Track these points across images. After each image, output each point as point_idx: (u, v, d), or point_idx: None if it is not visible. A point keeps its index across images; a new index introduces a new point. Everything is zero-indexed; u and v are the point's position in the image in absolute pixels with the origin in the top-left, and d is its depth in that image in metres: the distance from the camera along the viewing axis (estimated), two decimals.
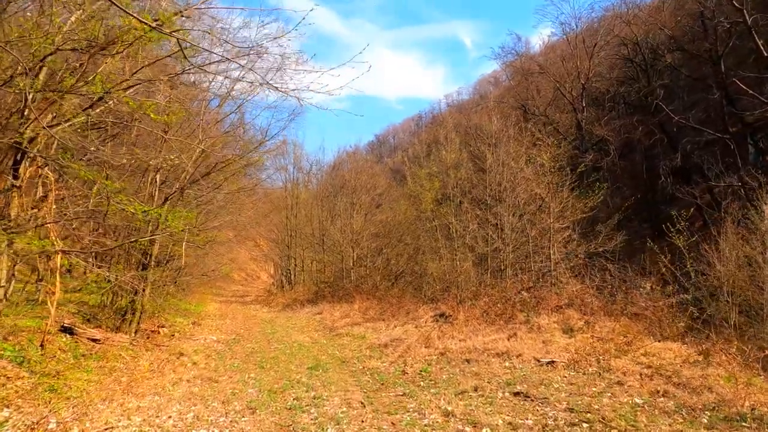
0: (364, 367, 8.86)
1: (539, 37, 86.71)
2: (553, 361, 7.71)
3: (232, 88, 11.52)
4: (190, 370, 8.77)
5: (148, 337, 11.69)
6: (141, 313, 11.27)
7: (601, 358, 7.70)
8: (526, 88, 40.72)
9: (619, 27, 35.46)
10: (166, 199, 10.94)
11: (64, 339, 9.37)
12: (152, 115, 6.20)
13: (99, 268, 9.62)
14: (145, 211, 6.23)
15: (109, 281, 9.25)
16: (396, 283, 23.90)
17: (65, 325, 9.71)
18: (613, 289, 11.42)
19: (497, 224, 17.01)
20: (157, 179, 11.47)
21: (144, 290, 11.26)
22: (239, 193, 14.34)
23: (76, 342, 9.34)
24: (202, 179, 11.43)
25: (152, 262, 11.43)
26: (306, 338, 13.00)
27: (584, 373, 7.21)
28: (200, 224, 12.17)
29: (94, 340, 9.75)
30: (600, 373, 7.15)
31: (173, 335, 12.64)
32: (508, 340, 9.32)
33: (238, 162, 11.69)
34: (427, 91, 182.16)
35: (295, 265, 35.44)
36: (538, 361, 7.82)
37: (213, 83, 11.50)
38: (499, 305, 11.71)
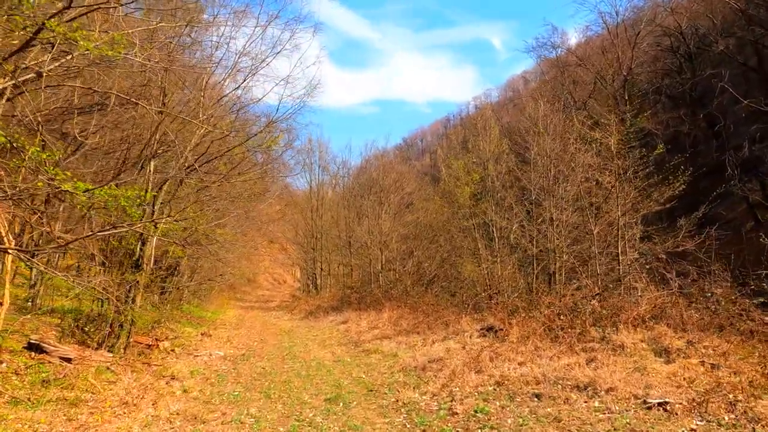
0: (397, 401, 6.78)
1: (575, 29, 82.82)
2: (665, 402, 5.46)
3: (239, 59, 9.67)
4: (175, 402, 6.87)
5: (140, 354, 9.92)
6: (131, 325, 9.49)
7: (734, 397, 5.42)
8: (562, 82, 38.08)
9: (661, 16, 32.93)
10: (159, 188, 9.17)
11: (28, 359, 7.66)
12: (110, 53, 4.33)
13: (71, 271, 7.90)
14: (88, 190, 4.37)
15: (88, 287, 7.46)
16: (429, 289, 21.78)
17: (32, 341, 7.99)
18: (711, 300, 9.03)
19: (548, 220, 14.72)
20: (151, 168, 9.71)
21: (134, 299, 9.49)
22: (250, 185, 12.51)
23: (42, 363, 7.59)
24: (203, 168, 9.60)
25: (145, 266, 9.66)
26: (327, 354, 11.01)
27: (719, 424, 4.95)
28: (205, 221, 10.36)
29: (67, 360, 8.00)
30: (744, 424, 4.89)
31: (173, 350, 10.85)
32: (588, 365, 7.08)
33: (245, 145, 9.85)
34: (456, 94, 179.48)
35: (321, 268, 33.72)
36: (644, 401, 5.58)
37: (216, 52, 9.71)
38: (562, 317, 9.46)
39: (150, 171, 9.75)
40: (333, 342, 12.85)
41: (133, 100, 7.01)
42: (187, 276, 17.74)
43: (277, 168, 12.00)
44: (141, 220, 7.46)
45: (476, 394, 6.64)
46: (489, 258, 16.91)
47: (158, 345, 11.02)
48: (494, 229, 17.81)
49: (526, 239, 15.68)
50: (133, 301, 9.49)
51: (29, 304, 11.47)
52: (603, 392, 6.04)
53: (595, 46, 39.57)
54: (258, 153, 11.45)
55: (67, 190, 4.27)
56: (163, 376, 8.28)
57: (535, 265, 15.50)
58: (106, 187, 4.40)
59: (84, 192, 4.31)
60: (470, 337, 10.02)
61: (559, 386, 6.47)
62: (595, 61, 37.48)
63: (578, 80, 36.98)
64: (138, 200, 5.04)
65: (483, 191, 18.31)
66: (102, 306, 9.74)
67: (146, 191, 6.28)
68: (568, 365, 7.11)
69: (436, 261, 22.80)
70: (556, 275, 14.54)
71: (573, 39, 41.62)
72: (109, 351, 9.02)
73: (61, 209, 9.48)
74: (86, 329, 9.85)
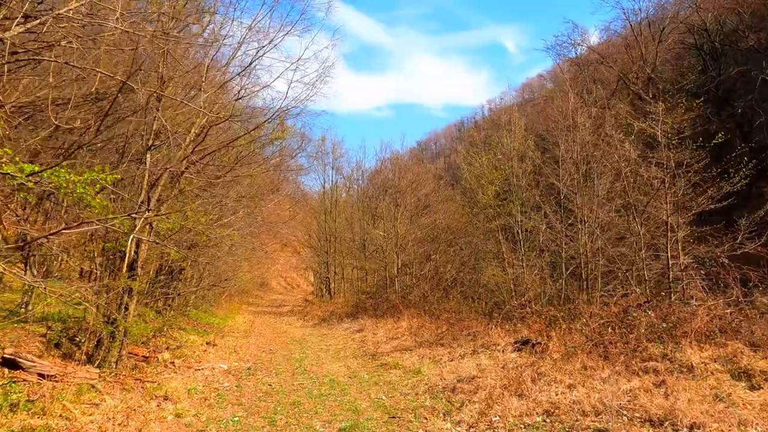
0: None
1: (596, 26, 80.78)
2: None
3: (246, 35, 8.66)
4: (163, 431, 5.83)
5: (134, 368, 8.91)
6: (124, 336, 8.50)
7: None
8: (582, 81, 36.71)
9: (684, 13, 31.70)
10: (155, 182, 8.19)
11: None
12: None
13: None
14: (34, 173, 3.33)
15: (62, 294, 6.46)
16: (448, 294, 20.61)
17: (6, 355, 7.02)
18: None
19: (580, 220, 13.49)
20: (148, 161, 8.73)
21: (126, 307, 8.50)
22: (258, 183, 11.51)
23: (15, 381, 6.61)
24: (204, 160, 8.60)
25: (140, 270, 8.67)
26: (341, 369, 9.91)
27: None
28: (206, 220, 9.35)
29: (46, 377, 7.02)
30: None
31: (172, 363, 9.84)
32: (655, 390, 5.88)
33: (251, 135, 8.83)
34: (470, 98, 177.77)
35: (335, 272, 32.69)
36: None
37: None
38: (610, 330, 8.24)
39: (147, 164, 8.78)
40: (348, 353, 11.75)
41: (118, 78, 6.02)
42: (195, 281, 16.81)
43: (287, 163, 10.91)
44: (133, 214, 6.48)
45: (522, 426, 5.48)
46: (515, 262, 15.70)
47: (156, 357, 10.03)
48: (519, 231, 16.60)
49: (557, 241, 14.46)
50: (126, 309, 8.50)
51: (22, 309, 10.60)
52: (685, 429, 4.84)
53: (617, 45, 38.21)
54: (266, 148, 10.44)
55: (8, 173, 3.27)
56: (155, 396, 7.26)
57: (564, 269, 14.27)
58: (58, 169, 3.38)
59: (28, 176, 3.31)
60: (503, 351, 8.84)
61: (626, 418, 5.28)
62: (618, 59, 36.18)
63: (599, 79, 35.62)
64: (98, 186, 4.00)
65: (507, 191, 17.09)
66: (92, 315, 8.78)
67: (105, 172, 5.24)
68: (631, 391, 5.90)
69: (455, 265, 21.64)
70: (588, 281, 13.30)
71: (593, 38, 40.19)
72: (96, 366, 8.03)
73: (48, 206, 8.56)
74: (77, 340, 8.92)
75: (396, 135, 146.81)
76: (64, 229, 4.28)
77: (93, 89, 8.00)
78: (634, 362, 6.96)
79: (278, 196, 16.53)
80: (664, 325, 7.59)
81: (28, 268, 10.26)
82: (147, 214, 6.10)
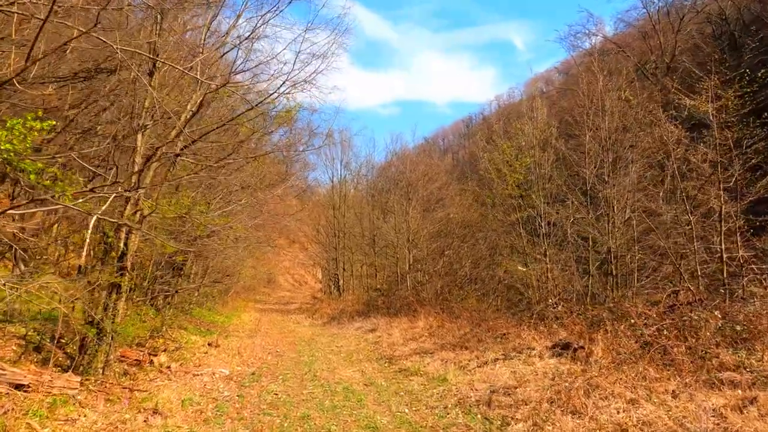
0: None
1: (611, 16, 78.92)
2: None
3: (246, 3, 7.64)
4: None
5: (124, 374, 7.96)
6: (112, 338, 7.54)
7: None
8: (602, 67, 35.52)
9: (702, 2, 30.64)
10: (144, 165, 7.21)
11: None
12: None
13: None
14: None
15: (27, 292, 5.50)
16: (462, 291, 19.57)
17: None
18: None
19: (612, 210, 12.42)
20: (139, 141, 7.76)
21: (114, 305, 7.54)
22: (263, 171, 10.49)
23: None
24: (203, 139, 7.60)
25: (129, 264, 7.69)
26: (355, 374, 8.90)
27: None
28: (202, 209, 8.34)
29: (20, 387, 6.07)
30: None
31: (168, 367, 8.88)
32: (746, 410, 4.81)
33: (254, 114, 7.82)
34: (476, 95, 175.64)
35: (344, 269, 31.69)
36: None
37: None
38: (666, 333, 7.15)
39: (139, 146, 7.81)
40: (362, 356, 10.74)
41: (94, 34, 5.00)
42: (198, 277, 15.88)
43: (296, 145, 9.86)
44: (111, 192, 5.48)
45: None
46: (539, 257, 14.62)
47: (152, 360, 9.08)
48: (542, 224, 15.49)
49: (585, 233, 13.36)
50: (115, 308, 7.54)
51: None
52: None
53: (633, 35, 36.94)
54: (273, 135, 9.42)
55: None
56: (144, 409, 6.28)
57: (592, 264, 13.18)
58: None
59: None
60: (540, 356, 7.78)
61: None
62: (635, 48, 35.00)
63: (615, 71, 34.35)
64: (29, 140, 2.98)
65: (529, 180, 15.97)
66: (69, 314, 7.82)
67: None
68: (715, 410, 4.84)
69: (471, 261, 20.59)
70: (617, 276, 12.20)
71: (608, 28, 38.94)
72: (80, 373, 7.08)
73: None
74: (62, 342, 7.99)
75: (407, 128, 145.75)
76: (12, 207, 3.29)
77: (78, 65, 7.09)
78: (704, 372, 5.88)
79: (286, 184, 15.47)
80: (738, 328, 6.49)
81: (15, 264, 9.38)
82: (125, 192, 5.11)
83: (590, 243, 13.40)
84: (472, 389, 6.88)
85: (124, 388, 7.16)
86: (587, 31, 36.03)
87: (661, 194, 10.50)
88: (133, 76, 7.45)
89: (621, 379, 6.10)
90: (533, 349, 8.08)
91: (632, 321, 7.78)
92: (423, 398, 6.93)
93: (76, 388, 6.54)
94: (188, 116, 7.87)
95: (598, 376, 6.30)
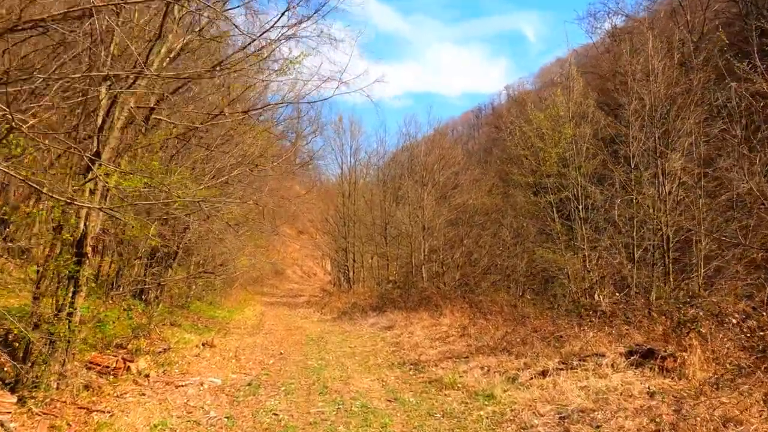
0: None
1: None
2: None
3: None
4: None
5: (87, 387, 6.34)
6: (69, 343, 5.92)
7: None
8: (617, 53, 33.46)
9: None
10: (104, 120, 5.55)
11: None
12: None
13: None
14: None
15: None
16: (487, 283, 17.93)
17: None
18: None
19: (663, 191, 10.66)
20: (103, 95, 6.09)
21: (72, 304, 5.91)
22: (262, 142, 8.79)
23: None
24: (181, 90, 5.91)
25: (88, 250, 6.06)
26: (375, 385, 7.24)
27: None
28: (182, 177, 6.66)
29: None
30: None
31: (147, 375, 7.28)
32: None
33: (248, 62, 6.13)
34: (489, 86, 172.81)
35: (354, 260, 30.06)
36: None
37: None
38: None
39: (103, 100, 6.16)
40: (380, 360, 9.07)
41: None
42: (194, 267, 14.31)
43: (306, 97, 8.14)
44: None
45: None
46: (578, 244, 12.86)
47: (128, 366, 7.49)
48: (580, 207, 13.71)
49: (636, 215, 11.54)
50: (72, 306, 5.91)
51: None
52: None
53: (657, 16, 34.97)
54: (274, 94, 7.72)
55: None
56: None
57: (637, 253, 11.39)
58: None
59: None
60: (614, 366, 6.06)
61: None
62: (662, 27, 32.96)
63: (638, 51, 32.35)
64: None
65: (563, 159, 14.17)
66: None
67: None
68: None
69: (493, 249, 18.90)
70: (669, 266, 10.42)
71: (629, 8, 36.83)
72: (26, 389, 5.47)
73: None
74: (14, 347, 6.42)
75: (422, 111, 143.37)
76: None
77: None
78: None
79: (288, 155, 13.76)
80: None
81: None
82: (80, 154, 3.45)
83: (648, 226, 11.59)
84: (533, 413, 5.19)
85: (80, 408, 5.56)
86: (609, 10, 33.93)
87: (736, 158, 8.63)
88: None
89: (740, 401, 4.38)
90: (603, 356, 6.35)
91: (734, 321, 6.04)
92: (468, 424, 5.24)
93: (10, 412, 4.95)
94: (164, 61, 6.21)
95: (712, 397, 4.58)
